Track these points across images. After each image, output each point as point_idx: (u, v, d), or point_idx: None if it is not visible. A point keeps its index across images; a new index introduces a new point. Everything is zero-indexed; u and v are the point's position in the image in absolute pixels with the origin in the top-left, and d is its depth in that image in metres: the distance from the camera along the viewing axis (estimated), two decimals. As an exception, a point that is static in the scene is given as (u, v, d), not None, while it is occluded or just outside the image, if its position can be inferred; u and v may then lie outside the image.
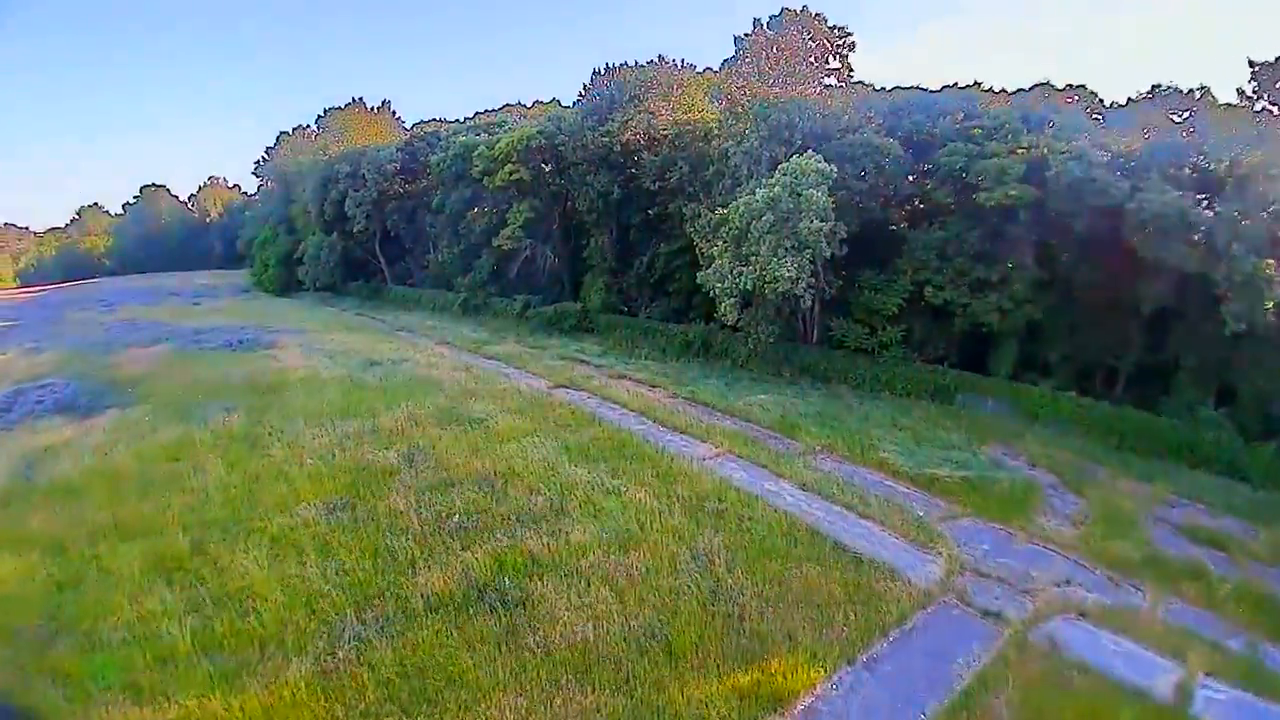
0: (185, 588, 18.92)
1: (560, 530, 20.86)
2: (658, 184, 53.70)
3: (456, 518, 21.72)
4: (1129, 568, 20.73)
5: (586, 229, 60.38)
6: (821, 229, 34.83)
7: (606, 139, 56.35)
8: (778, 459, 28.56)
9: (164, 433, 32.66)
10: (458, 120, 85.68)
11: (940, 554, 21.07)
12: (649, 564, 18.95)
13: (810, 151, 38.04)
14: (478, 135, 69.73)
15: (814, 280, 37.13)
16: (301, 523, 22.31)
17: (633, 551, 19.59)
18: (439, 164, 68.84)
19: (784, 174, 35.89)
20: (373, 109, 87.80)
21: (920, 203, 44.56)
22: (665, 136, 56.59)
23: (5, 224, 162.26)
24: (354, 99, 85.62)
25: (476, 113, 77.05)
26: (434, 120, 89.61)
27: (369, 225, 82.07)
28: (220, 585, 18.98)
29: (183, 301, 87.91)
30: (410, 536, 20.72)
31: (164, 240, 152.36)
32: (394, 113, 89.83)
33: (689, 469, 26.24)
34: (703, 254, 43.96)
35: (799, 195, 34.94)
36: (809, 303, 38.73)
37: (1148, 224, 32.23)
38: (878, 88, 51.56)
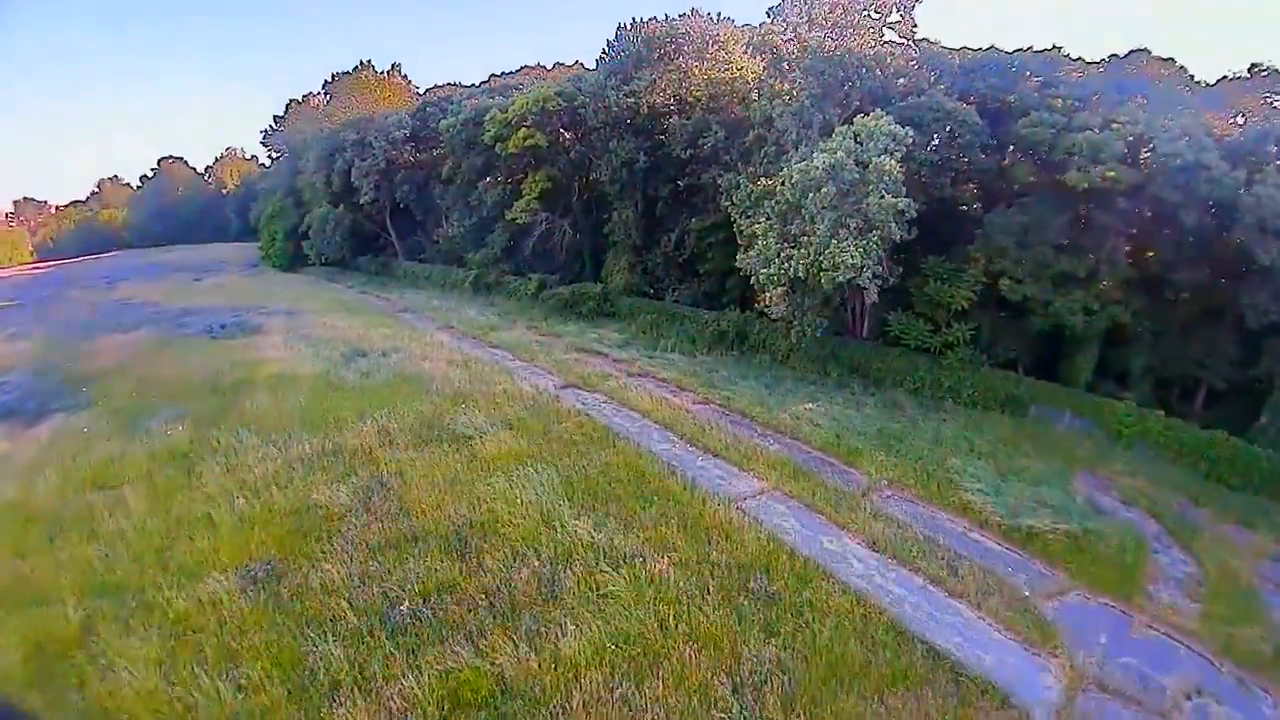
0: (61, 691, 14.29)
1: (548, 630, 14.90)
2: (689, 151, 47.11)
3: (406, 604, 15.84)
4: (1259, 664, 16.48)
5: (609, 202, 53.92)
6: (893, 206, 28.14)
7: (632, 100, 49.71)
8: (837, 500, 22.39)
9: (100, 449, 27.49)
10: (474, 85, 79.36)
11: (1055, 656, 15.78)
12: (670, 702, 12.95)
13: (877, 111, 31.26)
14: (492, 99, 63.45)
15: (879, 268, 30.35)
16: (210, 600, 16.69)
17: (648, 678, 13.56)
18: (449, 129, 62.60)
19: (847, 137, 29.13)
20: (382, 73, 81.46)
21: (996, 180, 37.43)
22: (698, 99, 49.89)
23: (25, 198, 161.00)
24: (361, 62, 79.34)
25: (491, 75, 70.41)
26: (449, 85, 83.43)
27: (378, 197, 76.27)
28: (94, 696, 14.06)
29: (185, 278, 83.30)
30: (339, 637, 14.92)
31: (181, 213, 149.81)
32: (405, 77, 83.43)
33: (726, 518, 20.09)
34: (741, 232, 37.54)
35: (865, 164, 28.23)
36: (874, 295, 31.92)
37: (1265, 222, 26.52)
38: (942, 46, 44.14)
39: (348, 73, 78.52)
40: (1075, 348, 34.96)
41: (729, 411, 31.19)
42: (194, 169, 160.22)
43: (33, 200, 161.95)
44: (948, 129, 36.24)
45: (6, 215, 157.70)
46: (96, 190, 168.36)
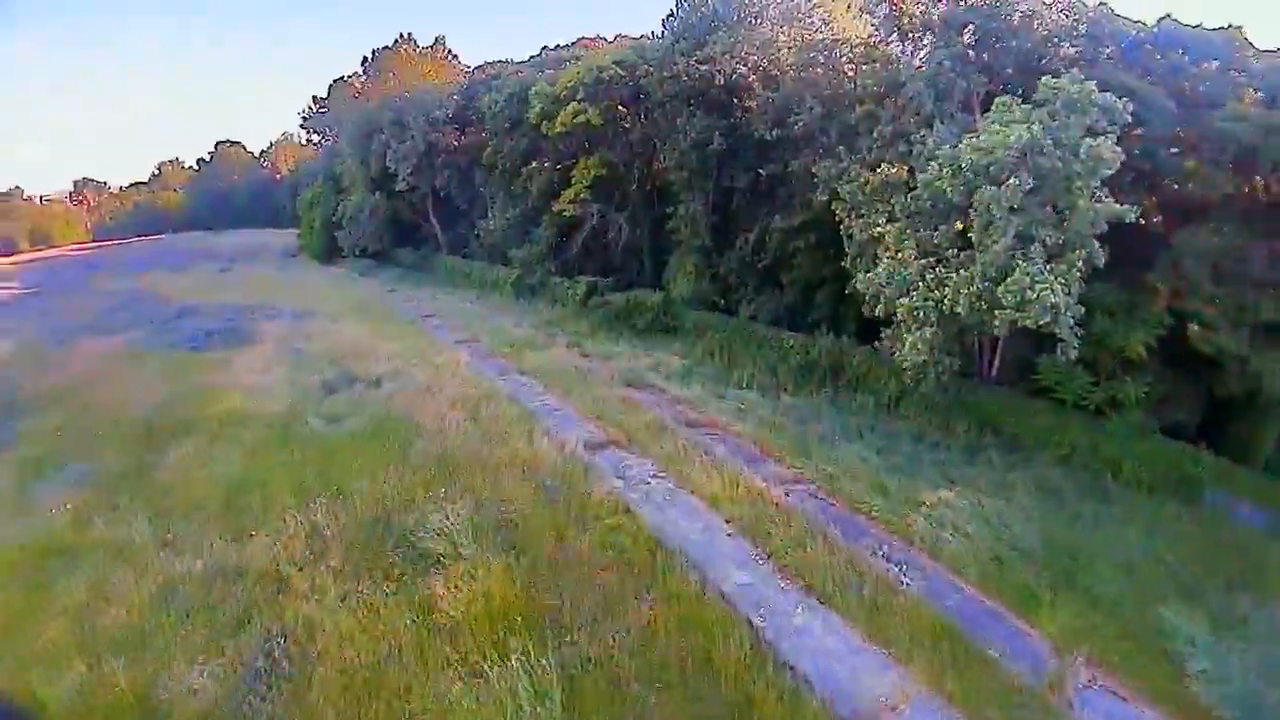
0: None
1: None
2: (774, 132, 37.55)
3: None
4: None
5: (674, 193, 44.66)
6: (1112, 213, 18.21)
7: (705, 69, 40.37)
8: (1021, 705, 12.86)
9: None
10: (526, 59, 70.77)
11: None
12: None
13: (1074, 73, 21.20)
14: (541, 73, 54.80)
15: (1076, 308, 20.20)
16: None
17: None
18: (489, 107, 54.29)
19: (1041, 104, 19.24)
20: (425, 49, 73.57)
21: (1180, 189, 26.68)
22: (788, 69, 40.17)
23: (85, 178, 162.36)
24: (401, 35, 71.58)
25: (544, 47, 61.52)
26: (499, 63, 74.82)
27: (417, 184, 68.58)
28: None
29: (214, 267, 78.24)
30: None
31: (234, 197, 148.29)
32: (450, 52, 75.33)
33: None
34: (851, 237, 28.08)
35: (1067, 147, 18.33)
36: (1073, 345, 21.31)
37: None
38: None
39: (388, 48, 70.79)
40: (1260, 414, 24.89)
41: (834, 497, 21.68)
42: (251, 154, 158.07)
43: (92, 181, 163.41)
44: (1129, 115, 25.80)
45: (68, 195, 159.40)
46: (157, 173, 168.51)
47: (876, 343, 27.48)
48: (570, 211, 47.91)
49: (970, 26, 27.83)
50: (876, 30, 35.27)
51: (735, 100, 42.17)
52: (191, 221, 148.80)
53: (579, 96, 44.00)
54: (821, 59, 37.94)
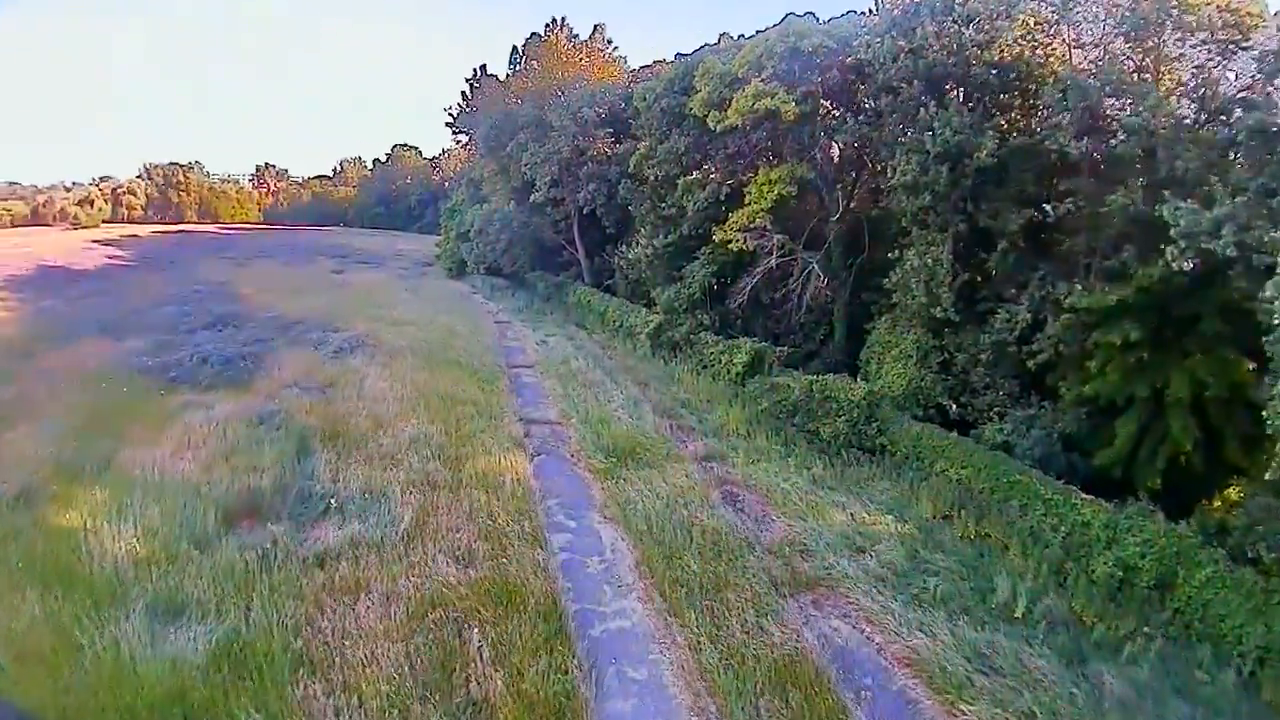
0: None
1: None
2: (1083, 143, 21.97)
3: None
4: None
5: (895, 230, 29.29)
6: None
7: (970, 33, 25.03)
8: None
9: None
10: (700, 47, 56.76)
11: None
12: None
13: None
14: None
15: None
16: None
17: None
18: (643, 97, 41.14)
19: None
20: (580, 42, 61.52)
21: None
22: (1114, 39, 23.89)
23: (267, 164, 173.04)
24: (553, 20, 59.77)
25: (722, 35, 47.01)
26: (667, 62, 60.58)
27: (559, 195, 56.76)
28: None
29: (331, 266, 72.38)
30: None
31: (401, 199, 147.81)
32: (610, 43, 62.90)
33: None
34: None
35: None
36: None
37: None
38: None
39: (537, 35, 59.43)
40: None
41: None
42: (425, 158, 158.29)
43: (274, 167, 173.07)
44: None
45: (249, 179, 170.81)
46: (339, 169, 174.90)
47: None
48: (739, 243, 33.50)
49: None
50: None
51: (1014, 90, 26.54)
52: (358, 219, 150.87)
53: (764, 75, 29.65)
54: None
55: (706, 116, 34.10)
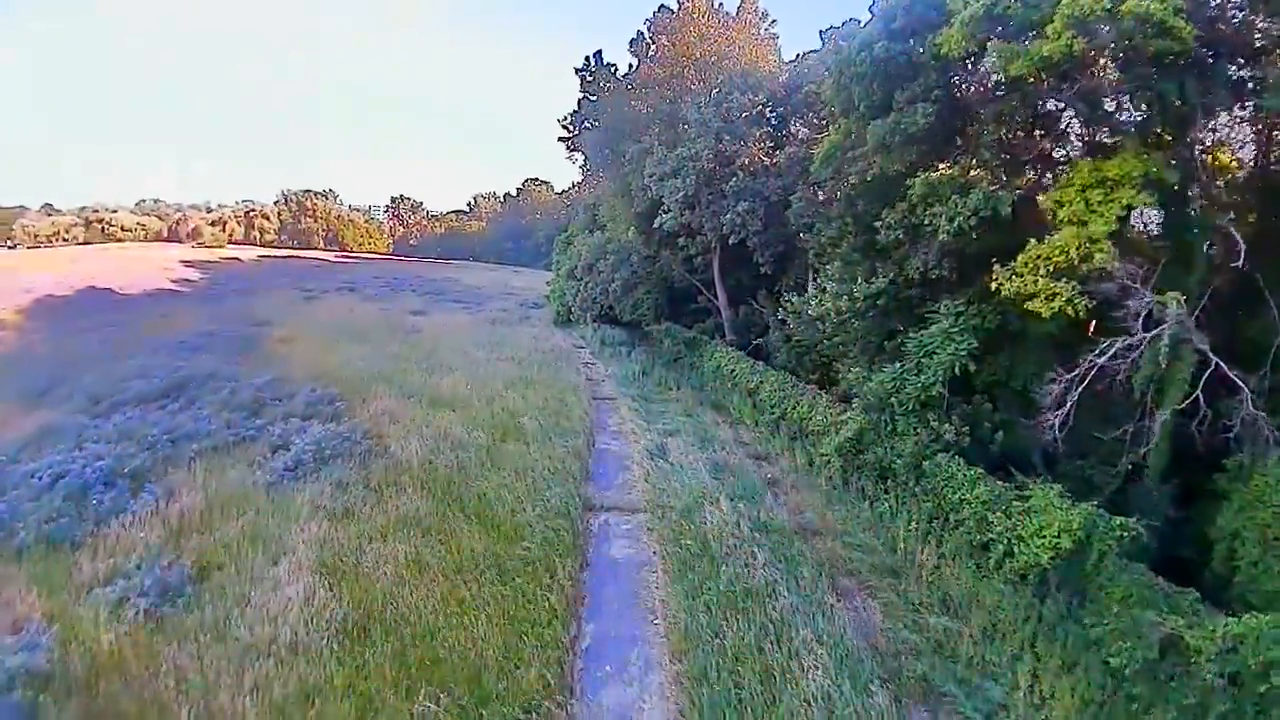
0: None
1: None
2: None
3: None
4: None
5: None
6: None
7: None
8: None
9: None
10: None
11: None
12: None
13: None
14: None
15: None
16: None
17: None
18: (843, 62, 24.40)
19: None
20: (725, 15, 44.76)
21: None
22: None
23: (401, 196, 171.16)
24: (692, -11, 43.82)
25: None
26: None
27: (693, 220, 40.79)
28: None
29: (412, 305, 61.74)
30: None
31: (529, 235, 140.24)
32: (766, 17, 45.96)
33: None
34: None
35: None
36: None
37: None
38: None
39: (667, 8, 43.57)
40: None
41: None
42: (556, 192, 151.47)
43: (409, 200, 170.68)
44: None
45: (385, 210, 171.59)
46: (473, 204, 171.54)
47: None
48: (1053, 296, 16.11)
49: None
50: None
51: None
52: (487, 253, 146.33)
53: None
54: None
55: (974, 61, 17.02)
